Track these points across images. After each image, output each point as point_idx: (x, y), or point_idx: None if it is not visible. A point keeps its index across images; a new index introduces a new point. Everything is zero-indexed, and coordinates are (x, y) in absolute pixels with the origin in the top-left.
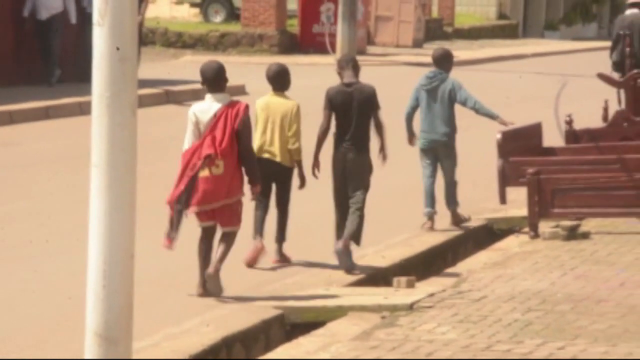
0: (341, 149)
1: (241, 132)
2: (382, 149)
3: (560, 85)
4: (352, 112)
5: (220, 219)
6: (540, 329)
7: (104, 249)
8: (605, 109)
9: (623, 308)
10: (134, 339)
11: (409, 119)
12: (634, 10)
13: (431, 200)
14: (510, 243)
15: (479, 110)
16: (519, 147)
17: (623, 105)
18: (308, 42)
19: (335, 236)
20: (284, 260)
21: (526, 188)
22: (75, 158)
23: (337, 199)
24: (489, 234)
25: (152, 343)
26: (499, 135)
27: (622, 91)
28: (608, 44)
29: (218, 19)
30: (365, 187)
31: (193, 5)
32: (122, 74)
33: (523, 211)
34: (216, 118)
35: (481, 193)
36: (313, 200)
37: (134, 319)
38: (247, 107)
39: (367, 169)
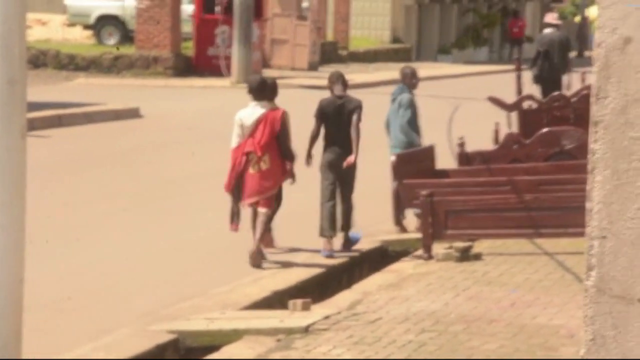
0: (333, 153)
1: (281, 133)
2: (355, 152)
3: (452, 108)
4: (342, 121)
5: (263, 204)
6: (433, 349)
7: None
8: (496, 132)
9: (514, 328)
10: None
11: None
12: (552, 30)
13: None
14: (405, 265)
15: (405, 130)
16: (413, 169)
17: (513, 128)
18: (203, 64)
19: (320, 227)
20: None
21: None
22: None
23: (327, 196)
24: (383, 256)
25: None
26: (393, 158)
27: (512, 114)
28: (499, 67)
29: (112, 41)
30: (354, 184)
31: (86, 27)
32: (11, 97)
33: (417, 233)
34: (257, 121)
35: (377, 215)
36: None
37: (24, 343)
38: (285, 112)
39: (355, 169)
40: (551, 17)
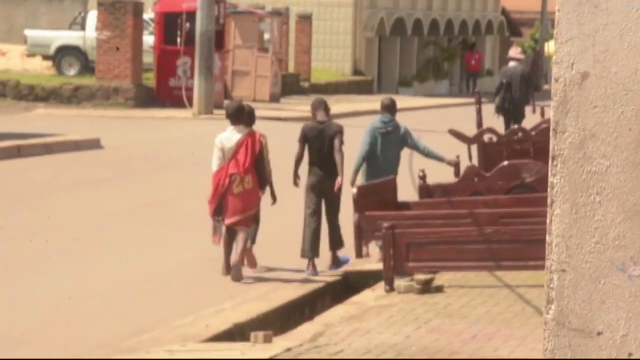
0: (316, 176)
1: (259, 157)
2: (340, 174)
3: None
4: (325, 145)
5: (243, 223)
6: None
7: None
8: (457, 165)
9: None
10: None
11: (367, 155)
12: (515, 64)
13: None
14: (367, 297)
15: (429, 154)
16: (375, 202)
17: (474, 161)
18: (165, 96)
19: (302, 249)
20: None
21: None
22: None
23: (310, 218)
24: (346, 288)
25: None
26: (354, 191)
27: (473, 147)
28: (459, 100)
29: (72, 72)
30: (339, 206)
31: (46, 57)
32: None
33: (379, 265)
34: (239, 145)
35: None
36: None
37: None
38: (263, 135)
39: (341, 191)
40: (515, 52)
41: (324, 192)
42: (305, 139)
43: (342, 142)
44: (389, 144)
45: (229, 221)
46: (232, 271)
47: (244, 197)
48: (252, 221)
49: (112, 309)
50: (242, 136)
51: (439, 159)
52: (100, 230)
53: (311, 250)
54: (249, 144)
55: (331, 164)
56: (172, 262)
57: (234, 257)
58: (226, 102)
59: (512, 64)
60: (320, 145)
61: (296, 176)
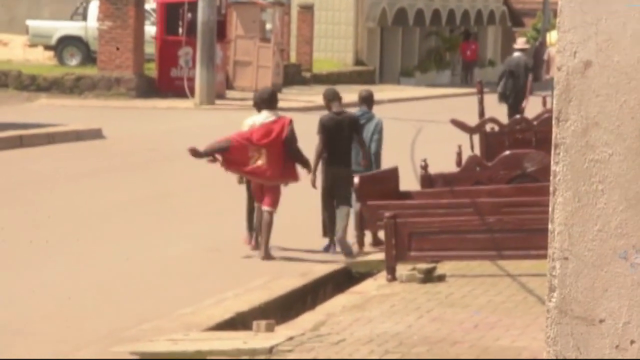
0: (333, 165)
1: (288, 139)
2: (365, 158)
3: (415, 130)
4: (343, 135)
5: (267, 201)
6: None
7: None
8: (459, 154)
9: (477, 350)
10: None
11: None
12: (520, 54)
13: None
14: (369, 286)
15: (375, 155)
16: (377, 191)
17: (476, 151)
18: (166, 86)
19: (322, 232)
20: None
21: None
22: None
23: (326, 202)
24: (347, 277)
25: None
26: (356, 180)
27: (474, 137)
28: (461, 90)
29: (74, 62)
30: (350, 192)
31: (47, 48)
32: None
33: (381, 254)
34: (268, 126)
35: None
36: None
37: None
38: (291, 120)
39: (352, 179)
40: (520, 43)
41: (338, 180)
42: (324, 130)
43: (361, 133)
44: (365, 136)
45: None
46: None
47: (262, 169)
48: (276, 201)
49: (113, 300)
50: (274, 118)
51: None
52: (101, 222)
53: (330, 231)
54: (277, 127)
55: (349, 153)
56: (173, 254)
57: (262, 249)
58: (260, 89)
59: (516, 53)
60: (339, 136)
61: (315, 175)
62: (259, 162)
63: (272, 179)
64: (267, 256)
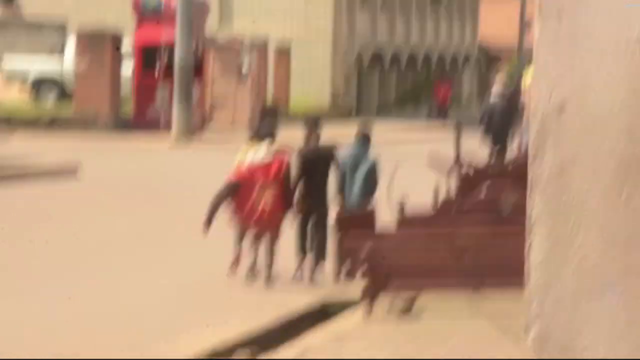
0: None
1: (286, 177)
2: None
3: (393, 168)
4: (319, 170)
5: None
6: None
7: None
8: (435, 197)
9: None
10: None
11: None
12: (495, 99)
13: None
14: (346, 322)
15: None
16: (355, 228)
17: (452, 193)
18: (143, 124)
19: (298, 260)
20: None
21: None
22: None
23: (303, 227)
24: (323, 314)
25: None
26: (334, 219)
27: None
28: (438, 135)
29: (50, 97)
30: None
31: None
32: None
33: (358, 291)
34: (269, 160)
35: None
36: None
37: None
38: (288, 158)
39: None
40: (495, 88)
41: (316, 208)
42: (304, 164)
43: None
44: (355, 175)
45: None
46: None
47: (263, 213)
48: (278, 228)
49: (85, 334)
50: (272, 156)
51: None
52: (78, 258)
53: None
54: (277, 164)
55: (323, 190)
56: (149, 289)
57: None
58: (262, 122)
59: (492, 99)
60: (317, 167)
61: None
62: (263, 206)
63: (276, 222)
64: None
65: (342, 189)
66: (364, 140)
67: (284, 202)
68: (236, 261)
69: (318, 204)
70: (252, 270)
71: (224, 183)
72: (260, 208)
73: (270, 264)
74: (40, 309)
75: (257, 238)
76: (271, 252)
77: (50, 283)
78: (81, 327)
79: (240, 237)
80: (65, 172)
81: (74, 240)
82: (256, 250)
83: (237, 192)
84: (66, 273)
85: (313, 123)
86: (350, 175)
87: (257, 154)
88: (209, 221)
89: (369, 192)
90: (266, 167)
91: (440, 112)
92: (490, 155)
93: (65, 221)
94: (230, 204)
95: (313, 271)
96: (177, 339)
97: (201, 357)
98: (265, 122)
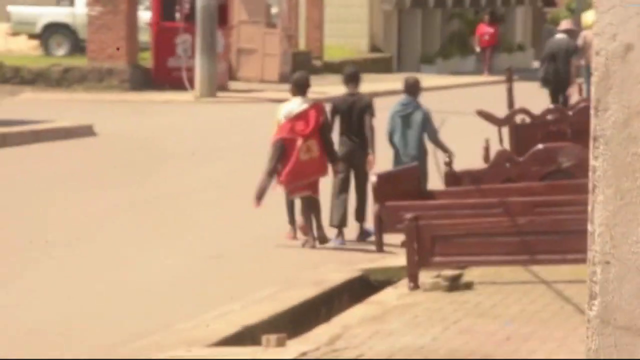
0: (346, 146)
1: (324, 126)
2: (372, 151)
3: (438, 123)
4: (354, 117)
5: (311, 188)
6: None
7: None
8: (486, 149)
9: None
10: None
11: (391, 140)
12: (563, 36)
13: None
14: (389, 295)
15: (436, 143)
16: (396, 190)
17: (505, 145)
18: (163, 77)
19: (330, 217)
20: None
21: (404, 235)
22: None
23: (339, 188)
24: (365, 286)
25: None
26: (373, 179)
27: (503, 129)
28: (488, 78)
29: (60, 52)
30: (367, 177)
31: (31, 37)
32: None
33: (402, 260)
34: (304, 113)
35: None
36: None
37: None
38: (324, 106)
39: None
40: (564, 24)
41: (353, 163)
42: (335, 111)
43: (372, 116)
44: (408, 128)
45: (294, 186)
46: (319, 241)
47: (310, 163)
48: (317, 187)
49: (105, 313)
50: (308, 105)
51: (445, 149)
52: (93, 228)
53: (340, 220)
54: (314, 113)
55: (361, 136)
56: (172, 261)
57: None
58: (296, 74)
59: (558, 35)
60: (350, 117)
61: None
62: (310, 156)
63: (325, 170)
64: (324, 238)
65: (392, 141)
66: (414, 89)
67: (325, 153)
68: (293, 232)
69: (354, 150)
70: (308, 235)
71: (269, 147)
72: (307, 159)
73: (320, 225)
74: (49, 284)
75: (306, 192)
76: (318, 211)
77: (58, 255)
78: (96, 306)
79: (290, 205)
80: (80, 130)
81: (88, 206)
82: (308, 216)
83: (284, 151)
84: (78, 243)
85: (352, 78)
86: (403, 128)
87: (293, 106)
88: (261, 193)
89: (431, 139)
90: (305, 117)
91: (485, 57)
92: (552, 96)
93: (79, 185)
94: (279, 166)
95: (362, 233)
96: (203, 319)
97: (229, 338)
98: (303, 76)
